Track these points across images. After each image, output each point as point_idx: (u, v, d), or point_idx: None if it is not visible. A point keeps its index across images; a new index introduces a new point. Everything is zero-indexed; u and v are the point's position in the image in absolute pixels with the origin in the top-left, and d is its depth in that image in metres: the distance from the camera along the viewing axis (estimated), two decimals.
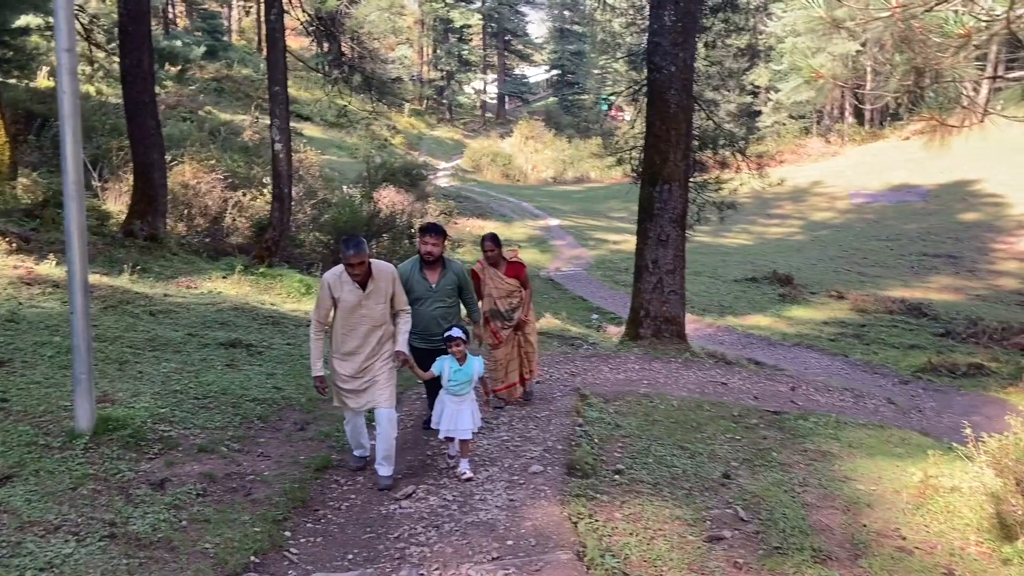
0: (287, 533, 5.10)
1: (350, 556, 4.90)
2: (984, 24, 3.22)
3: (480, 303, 7.82)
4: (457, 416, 5.98)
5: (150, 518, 4.84)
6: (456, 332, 5.99)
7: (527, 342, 8.06)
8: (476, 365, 6.04)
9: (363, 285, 5.74)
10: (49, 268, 10.48)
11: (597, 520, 5.30)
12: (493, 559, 4.65)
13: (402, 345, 5.90)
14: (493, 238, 7.88)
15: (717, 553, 5.11)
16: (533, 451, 6.55)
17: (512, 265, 7.97)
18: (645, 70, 12.01)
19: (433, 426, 6.17)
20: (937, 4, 3.25)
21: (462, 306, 7.37)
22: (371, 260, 5.72)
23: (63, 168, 5.44)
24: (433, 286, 6.81)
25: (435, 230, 6.88)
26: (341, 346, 5.86)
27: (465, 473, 5.96)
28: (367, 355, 5.84)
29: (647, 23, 11.64)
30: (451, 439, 6.16)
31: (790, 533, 5.39)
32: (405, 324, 6.01)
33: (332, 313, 5.86)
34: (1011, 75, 3.39)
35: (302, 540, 5.06)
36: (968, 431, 5.99)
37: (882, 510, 5.97)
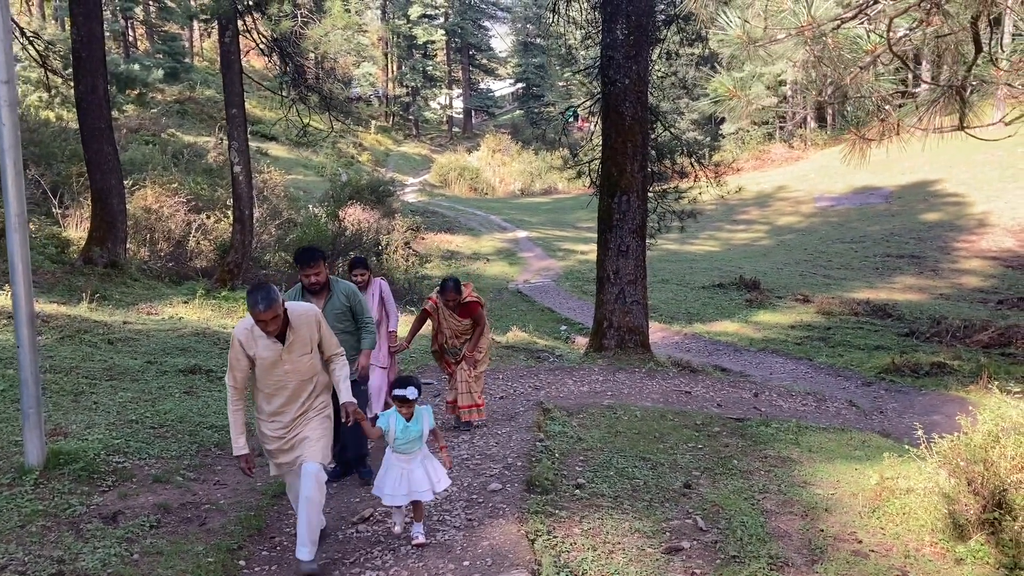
0: (241, 562, 5.04)
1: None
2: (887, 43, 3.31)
3: (434, 338, 8.07)
4: (410, 476, 5.14)
5: (100, 553, 4.77)
6: (410, 393, 5.12)
7: (476, 379, 7.98)
8: (426, 418, 5.21)
9: (281, 337, 4.87)
10: (4, 299, 10.34)
11: (555, 536, 5.29)
12: None
13: (348, 395, 5.10)
14: (455, 287, 7.67)
15: (675, 564, 5.12)
16: (493, 468, 6.54)
17: (466, 306, 7.83)
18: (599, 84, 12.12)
19: (376, 492, 5.26)
20: (844, 23, 3.32)
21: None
22: (287, 305, 4.87)
23: (5, 200, 5.38)
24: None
25: (310, 257, 6.16)
26: (266, 406, 5.04)
27: (418, 538, 5.18)
28: (297, 412, 5.04)
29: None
30: (398, 507, 5.27)
31: (747, 541, 5.42)
32: (343, 369, 5.19)
33: (251, 373, 4.98)
34: (916, 89, 3.47)
35: (256, 568, 5.00)
36: (920, 432, 6.05)
37: (840, 514, 6.02)
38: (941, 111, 3.50)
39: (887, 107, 3.71)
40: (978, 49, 3.10)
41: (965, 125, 3.48)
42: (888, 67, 3.48)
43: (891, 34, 3.17)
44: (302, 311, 5.01)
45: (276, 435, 5.03)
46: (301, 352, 4.95)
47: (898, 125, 3.73)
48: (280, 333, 4.85)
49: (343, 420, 5.02)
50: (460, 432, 7.76)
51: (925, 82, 3.47)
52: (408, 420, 5.12)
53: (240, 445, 4.95)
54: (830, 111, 39.56)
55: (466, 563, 4.87)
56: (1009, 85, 3.10)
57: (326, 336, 5.13)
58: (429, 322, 8.09)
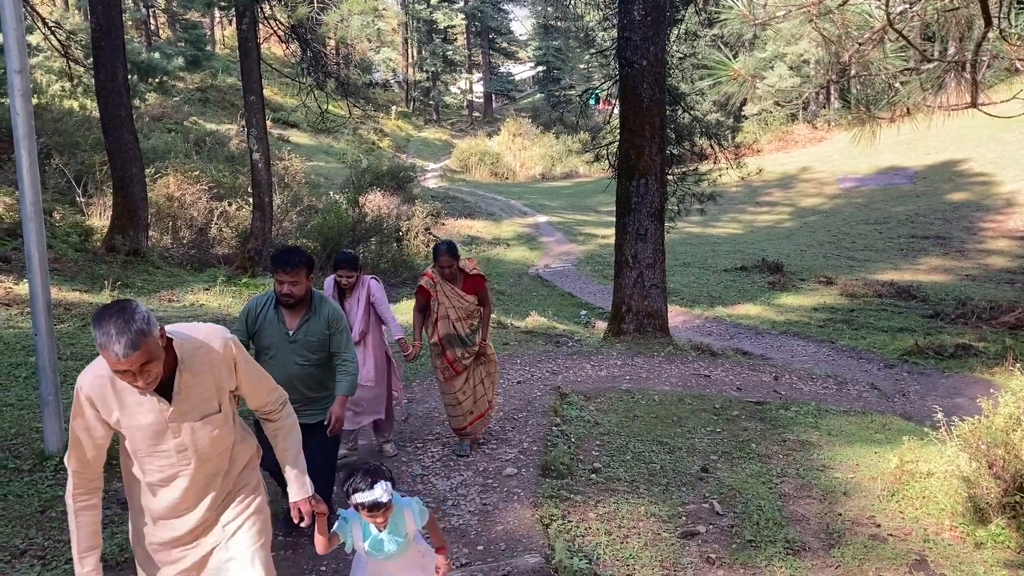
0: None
1: (322, 568, 4.88)
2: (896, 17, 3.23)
3: (434, 327, 6.42)
4: None
5: (118, 538, 4.81)
6: (381, 495, 3.24)
7: (489, 362, 6.71)
8: (412, 514, 3.42)
9: (164, 390, 2.91)
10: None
11: (570, 521, 5.30)
12: (461, 565, 4.65)
13: (300, 485, 3.29)
14: (449, 249, 6.28)
15: (691, 549, 5.11)
16: (508, 453, 6.54)
17: (471, 279, 6.45)
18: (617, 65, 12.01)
19: None
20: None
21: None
22: (171, 330, 2.94)
23: (20, 190, 5.42)
24: (290, 333, 4.74)
25: (287, 261, 4.63)
26: (149, 503, 3.12)
27: None
28: (204, 515, 3.15)
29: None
30: None
31: (764, 526, 5.39)
32: (292, 436, 3.34)
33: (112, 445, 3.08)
34: (924, 67, 3.39)
35: (272, 554, 5.03)
36: (940, 415, 5.97)
37: (858, 498, 5.97)
38: (949, 88, 3.42)
39: (897, 85, 3.63)
40: (987, 23, 3.02)
41: (979, 103, 3.40)
42: (897, 44, 3.40)
43: (891, 8, 3.08)
44: (201, 337, 3.01)
45: (167, 554, 3.17)
46: (201, 413, 3.02)
47: (908, 104, 3.65)
48: (163, 381, 2.88)
49: (296, 522, 3.30)
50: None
51: (929, 59, 3.37)
52: (382, 530, 3.35)
53: (85, 570, 2.99)
54: (835, 91, 39.08)
55: (480, 548, 4.88)
56: (1021, 60, 3.02)
57: (249, 375, 3.16)
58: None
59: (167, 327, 2.93)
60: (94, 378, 2.91)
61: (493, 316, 8.06)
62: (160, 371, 2.80)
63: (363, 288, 6.28)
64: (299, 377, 4.79)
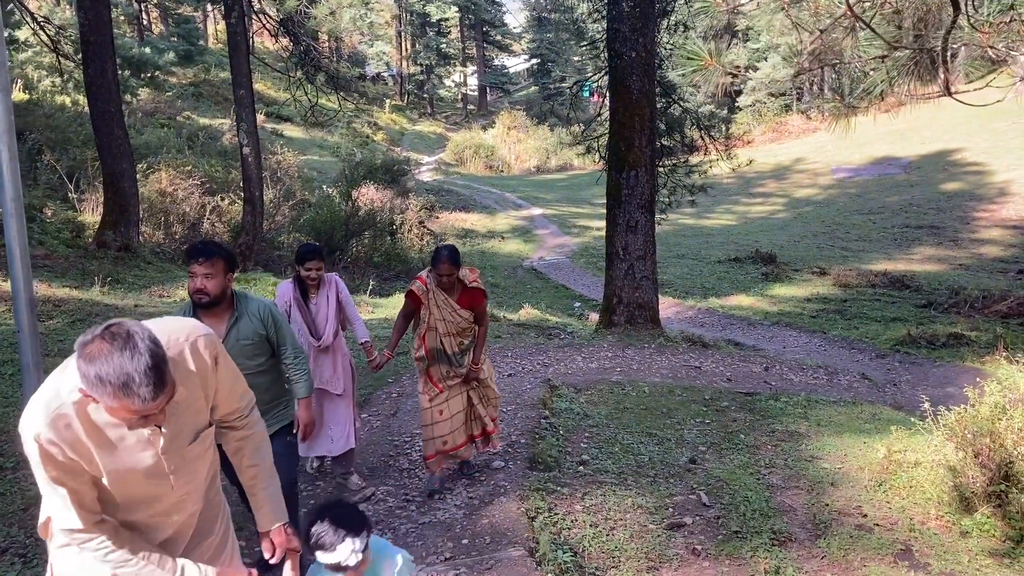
0: (242, 543, 5.06)
1: (309, 559, 4.86)
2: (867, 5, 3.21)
3: (421, 339, 5.61)
4: None
5: None
6: (348, 557, 2.65)
7: (484, 387, 5.87)
8: (392, 571, 2.86)
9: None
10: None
11: (556, 513, 5.29)
12: (445, 559, 4.64)
13: (281, 512, 2.83)
14: (451, 256, 5.40)
15: (677, 540, 5.11)
16: (496, 446, 6.52)
17: (469, 292, 5.59)
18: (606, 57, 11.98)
19: None
20: None
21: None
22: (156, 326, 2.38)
23: (0, 185, 5.38)
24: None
25: (205, 251, 4.07)
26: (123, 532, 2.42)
27: None
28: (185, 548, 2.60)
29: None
30: None
31: (750, 516, 5.39)
32: (262, 449, 2.83)
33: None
34: (896, 54, 3.37)
35: (257, 548, 5.02)
36: (927, 405, 5.97)
37: (846, 488, 5.97)
38: (916, 76, 3.39)
39: (871, 72, 3.61)
40: (956, 8, 3.00)
41: (952, 91, 3.37)
42: (870, 32, 3.38)
43: None
44: (181, 337, 2.43)
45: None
46: (196, 429, 2.50)
47: (876, 93, 3.63)
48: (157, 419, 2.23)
49: (267, 557, 2.80)
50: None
51: (896, 47, 3.35)
52: None
53: None
54: (828, 80, 39.01)
55: (464, 541, 4.88)
56: (992, 48, 3.00)
57: (227, 375, 2.62)
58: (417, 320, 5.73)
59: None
60: (55, 418, 2.15)
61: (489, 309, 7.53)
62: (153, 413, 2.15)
63: (330, 286, 5.65)
64: None
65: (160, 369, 2.06)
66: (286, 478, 3.90)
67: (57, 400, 2.18)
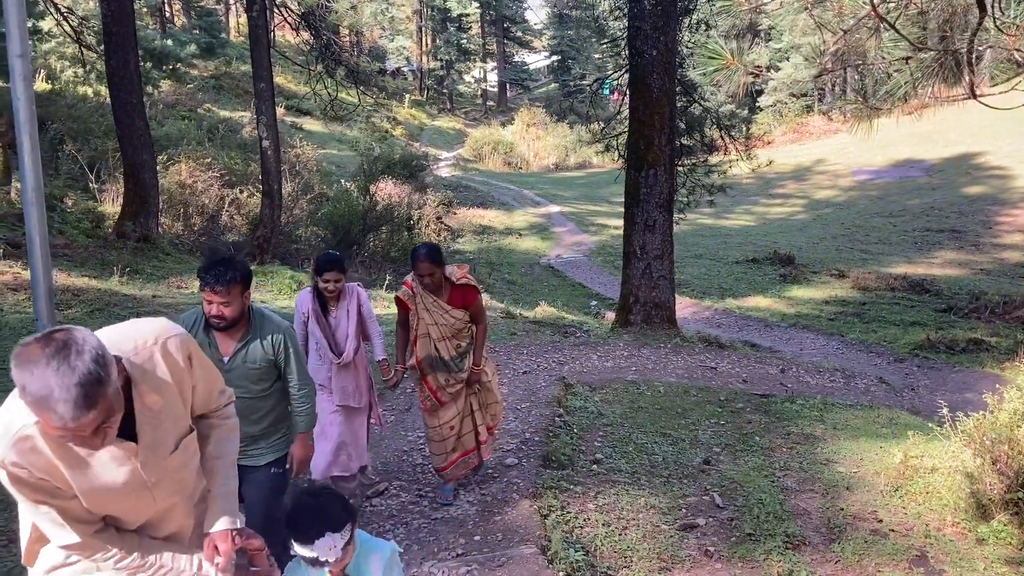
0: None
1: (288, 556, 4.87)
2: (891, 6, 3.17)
3: (413, 346, 5.33)
4: None
5: None
6: (324, 555, 2.46)
7: (485, 391, 5.59)
8: (380, 564, 2.65)
9: (126, 431, 2.17)
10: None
11: (569, 512, 5.28)
12: (457, 555, 4.64)
13: (233, 514, 2.53)
14: (429, 254, 5.10)
15: (689, 541, 5.08)
16: (510, 443, 6.52)
17: (460, 290, 5.28)
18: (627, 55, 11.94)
19: None
20: None
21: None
22: (122, 355, 2.18)
23: (22, 174, 5.42)
24: (225, 361, 3.82)
25: (220, 278, 3.65)
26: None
27: None
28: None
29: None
30: None
31: (764, 519, 5.35)
32: (230, 441, 2.66)
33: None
34: (920, 55, 3.32)
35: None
36: (945, 410, 5.92)
37: (861, 492, 5.92)
38: (940, 78, 3.34)
39: (895, 74, 3.57)
40: (982, 10, 2.95)
41: (978, 94, 3.33)
42: (895, 33, 3.34)
43: None
44: (150, 341, 2.29)
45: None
46: (178, 436, 2.37)
47: (899, 95, 3.59)
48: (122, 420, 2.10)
49: (209, 560, 2.46)
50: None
51: (921, 48, 3.31)
52: None
53: None
54: (851, 81, 38.76)
55: (477, 538, 4.87)
56: (1019, 51, 2.95)
57: (203, 374, 2.48)
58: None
59: (101, 337, 2.07)
60: (18, 440, 2.02)
61: (502, 307, 7.39)
62: (119, 419, 2.03)
63: (351, 297, 5.30)
64: (240, 412, 3.09)
65: (88, 389, 1.87)
66: (265, 514, 3.73)
67: (19, 421, 2.04)
